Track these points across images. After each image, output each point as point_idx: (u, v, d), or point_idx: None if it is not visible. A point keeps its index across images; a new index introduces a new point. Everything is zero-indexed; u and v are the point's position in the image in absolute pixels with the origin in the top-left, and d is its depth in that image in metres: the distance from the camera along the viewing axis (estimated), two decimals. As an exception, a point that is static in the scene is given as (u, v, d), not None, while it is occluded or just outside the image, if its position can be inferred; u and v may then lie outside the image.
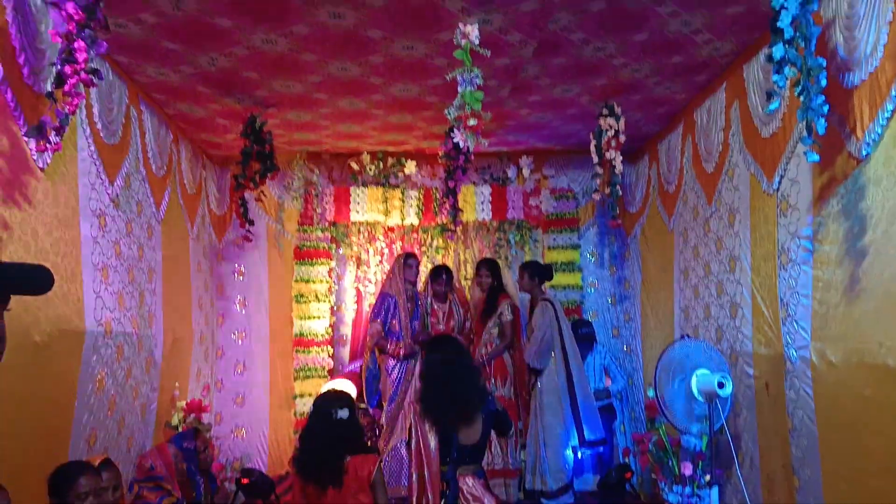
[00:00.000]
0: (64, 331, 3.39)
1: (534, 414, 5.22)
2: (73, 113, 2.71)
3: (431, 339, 4.10)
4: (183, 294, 5.46)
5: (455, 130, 3.74)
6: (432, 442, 3.31)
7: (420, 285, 6.03)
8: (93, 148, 3.77)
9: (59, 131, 2.78)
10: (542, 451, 5.15)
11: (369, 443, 4.85)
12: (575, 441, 5.10)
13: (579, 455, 5.16)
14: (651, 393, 4.37)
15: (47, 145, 2.80)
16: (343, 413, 3.24)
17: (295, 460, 3.27)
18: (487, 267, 5.63)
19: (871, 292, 2.92)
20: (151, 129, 4.77)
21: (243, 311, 6.33)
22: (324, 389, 4.11)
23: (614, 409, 5.88)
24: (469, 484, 3.39)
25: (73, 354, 3.51)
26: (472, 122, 3.57)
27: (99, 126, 3.85)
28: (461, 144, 3.58)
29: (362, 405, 5.56)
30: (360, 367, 5.79)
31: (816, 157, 2.89)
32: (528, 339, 5.23)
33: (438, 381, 3.29)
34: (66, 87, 2.65)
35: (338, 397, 3.35)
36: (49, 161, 3.28)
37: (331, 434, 3.16)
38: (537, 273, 5.45)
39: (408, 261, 5.52)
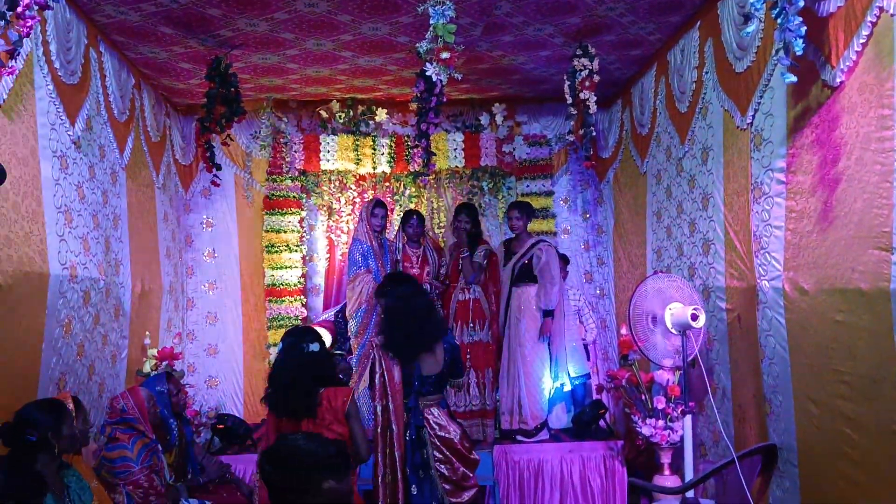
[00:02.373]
0: (28, 273, 3.32)
1: (510, 354, 5.21)
2: (27, 35, 2.56)
3: (387, 276, 4.06)
4: (150, 244, 5.37)
5: (427, 65, 3.63)
6: (396, 375, 3.34)
7: (393, 233, 5.97)
8: (51, 87, 3.66)
9: (13, 54, 2.62)
10: (520, 391, 5.16)
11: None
12: (557, 377, 5.16)
13: (552, 392, 5.21)
14: (624, 331, 4.54)
15: (2, 69, 2.62)
16: (313, 346, 3.22)
17: (267, 397, 3.26)
18: (467, 212, 5.50)
19: (845, 219, 2.93)
20: (112, 72, 4.62)
21: (213, 262, 6.24)
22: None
23: (586, 350, 5.90)
24: (434, 414, 3.42)
25: (38, 297, 3.44)
26: (444, 55, 3.49)
27: (57, 65, 3.73)
28: (434, 78, 3.48)
29: (339, 352, 5.51)
30: (339, 315, 5.69)
31: (794, 79, 2.87)
32: (546, 282, 5.10)
33: (398, 315, 3.34)
34: (20, 9, 2.48)
35: (306, 331, 3.33)
36: (5, 97, 3.18)
37: (301, 366, 3.15)
38: (531, 213, 5.45)
39: (374, 209, 5.40)
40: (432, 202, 6.48)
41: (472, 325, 5.32)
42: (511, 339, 5.28)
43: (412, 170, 6.23)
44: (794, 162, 3.37)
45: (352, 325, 5.31)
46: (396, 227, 5.75)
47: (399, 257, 5.57)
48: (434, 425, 3.41)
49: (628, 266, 5.89)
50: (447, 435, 3.48)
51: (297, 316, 6.22)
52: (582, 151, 5.10)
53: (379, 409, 3.35)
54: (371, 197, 6.20)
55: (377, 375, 3.33)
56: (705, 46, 4.32)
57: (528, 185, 6.36)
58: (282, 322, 6.16)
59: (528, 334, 5.14)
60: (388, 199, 6.41)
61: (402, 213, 5.91)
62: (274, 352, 6.01)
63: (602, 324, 6.28)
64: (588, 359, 5.84)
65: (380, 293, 3.58)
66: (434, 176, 6.33)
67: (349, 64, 5.36)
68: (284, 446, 2.03)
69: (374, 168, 6.28)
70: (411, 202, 6.41)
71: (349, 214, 6.45)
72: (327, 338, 5.39)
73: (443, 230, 6.36)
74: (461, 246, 5.39)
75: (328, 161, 6.22)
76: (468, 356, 5.16)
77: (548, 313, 5.10)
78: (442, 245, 5.98)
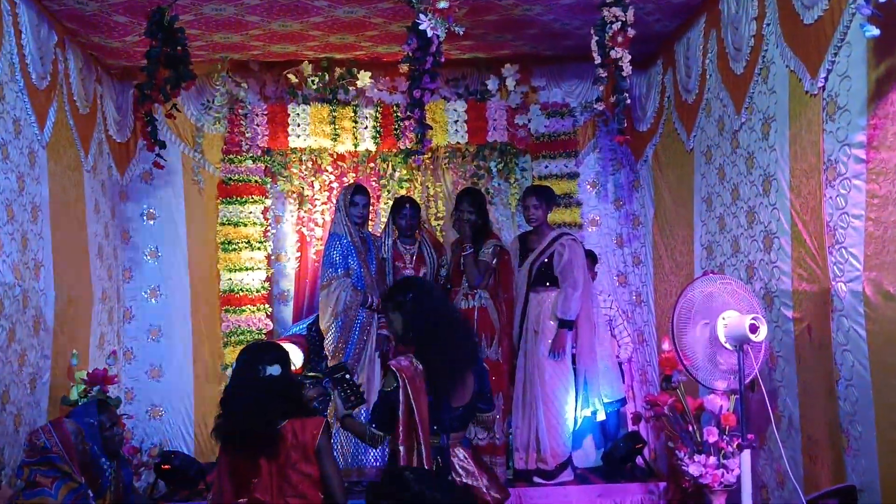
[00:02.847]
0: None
1: (527, 376, 5.25)
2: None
3: (400, 281, 4.05)
4: (78, 241, 5.36)
5: (421, 17, 3.62)
6: (424, 407, 3.24)
7: (380, 226, 6.04)
8: (-60, 45, 3.57)
9: None
10: (539, 422, 5.21)
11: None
12: (586, 404, 5.21)
13: (578, 423, 5.27)
14: (666, 346, 4.59)
15: None
16: (272, 369, 3.23)
17: (216, 430, 3.26)
18: (470, 199, 5.50)
19: (940, 205, 2.87)
20: (29, 27, 4.61)
21: (156, 264, 6.30)
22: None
23: (620, 369, 5.94)
24: (460, 456, 3.41)
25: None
26: (442, 4, 3.48)
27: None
28: (429, 33, 3.47)
29: (312, 374, 5.33)
30: (312, 328, 5.74)
31: (876, 32, 2.88)
32: (567, 286, 5.15)
33: (441, 330, 3.29)
34: None
35: (265, 349, 3.36)
36: None
37: (258, 393, 3.16)
38: (552, 201, 5.43)
39: (354, 197, 5.40)
40: (428, 188, 6.49)
41: (477, 340, 5.31)
42: (527, 357, 5.30)
43: (403, 147, 6.23)
44: (877, 135, 3.35)
45: (328, 342, 5.36)
46: (385, 220, 5.77)
47: (387, 256, 5.59)
48: (460, 470, 3.37)
49: (671, 266, 5.90)
50: (476, 484, 3.45)
51: (261, 329, 6.23)
52: (613, 124, 5.11)
53: (403, 451, 3.25)
54: (351, 181, 6.20)
55: (400, 407, 3.24)
56: (766, -9, 4.31)
57: (546, 166, 6.36)
58: (241, 337, 6.17)
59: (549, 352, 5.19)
60: (373, 183, 6.42)
61: (390, 202, 5.96)
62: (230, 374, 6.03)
63: (639, 337, 6.30)
64: (622, 381, 5.86)
65: (406, 303, 3.42)
66: (430, 155, 6.33)
67: (324, 16, 5.32)
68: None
69: (356, 145, 6.28)
70: (402, 188, 6.40)
71: (325, 203, 6.43)
72: (297, 356, 5.44)
73: (441, 222, 6.37)
74: (464, 242, 5.42)
75: (298, 137, 6.22)
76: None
77: (565, 324, 5.14)
78: (441, 240, 6.04)
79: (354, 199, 5.36)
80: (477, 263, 5.29)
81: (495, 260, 5.40)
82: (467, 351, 3.34)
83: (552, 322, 5.17)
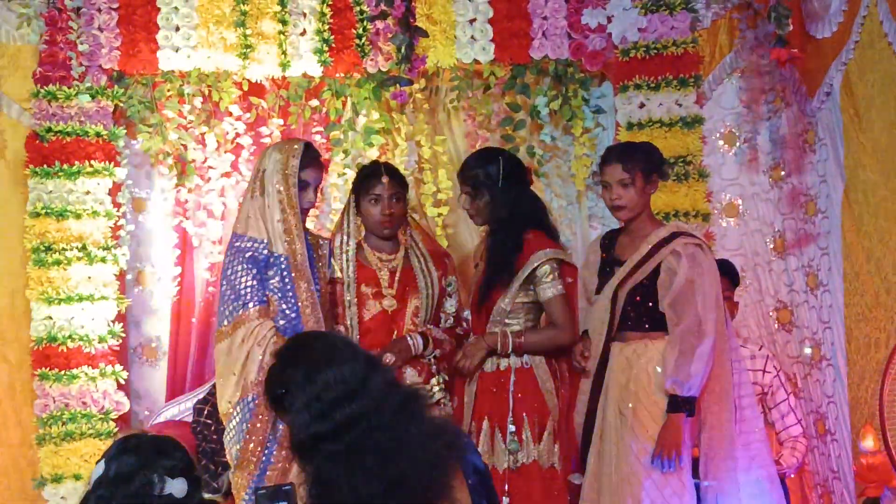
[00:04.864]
0: None
1: (602, 498, 4.17)
2: None
3: (282, 351, 2.93)
4: None
5: None
6: None
7: (328, 222, 5.16)
8: None
9: None
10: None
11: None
12: None
13: None
14: (870, 444, 4.04)
15: None
16: (176, 486, 2.47)
17: None
18: (475, 169, 4.32)
19: None
20: None
21: None
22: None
23: (784, 487, 4.52)
24: None
25: None
26: None
27: None
28: None
29: (207, 497, 4.35)
30: (203, 411, 4.61)
31: None
32: (684, 331, 4.04)
33: (352, 447, 2.60)
34: None
35: (161, 449, 2.57)
36: None
37: None
38: (656, 168, 4.15)
39: (306, 163, 4.16)
40: (421, 146, 5.10)
41: (513, 428, 4.21)
42: (602, 459, 4.20)
43: (373, 72, 4.83)
44: None
45: (231, 438, 4.11)
46: (344, 207, 4.56)
47: (347, 275, 4.41)
48: None
49: (878, 291, 4.46)
50: None
51: (109, 410, 4.69)
52: (767, 25, 4.49)
53: None
54: (279, 136, 4.97)
55: None
56: None
57: (643, 105, 4.81)
58: (70, 427, 4.67)
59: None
60: (316, 139, 5.01)
61: (349, 173, 4.93)
62: (52, 496, 4.64)
63: (818, 427, 4.76)
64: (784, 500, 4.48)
65: (279, 399, 2.75)
66: (424, 85, 5.03)
67: None
68: None
69: (284, 67, 4.87)
70: (371, 146, 4.95)
71: (226, 175, 4.95)
72: None
73: (447, 210, 5.02)
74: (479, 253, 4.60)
75: (177, 51, 4.83)
76: (506, 496, 4.20)
77: (681, 404, 4.01)
78: (445, 246, 4.86)
79: (306, 169, 4.17)
80: (543, 301, 4.28)
81: (558, 285, 4.28)
82: (420, 472, 2.56)
83: (657, 397, 4.04)
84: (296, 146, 4.18)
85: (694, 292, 3.89)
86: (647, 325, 4.01)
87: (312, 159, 4.15)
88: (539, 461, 4.08)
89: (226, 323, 3.98)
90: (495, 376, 4.13)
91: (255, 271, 4.01)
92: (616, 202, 3.93)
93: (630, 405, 4.00)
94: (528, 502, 4.10)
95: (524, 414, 4.10)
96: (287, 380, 2.62)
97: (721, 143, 4.92)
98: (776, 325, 4.87)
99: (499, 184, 4.13)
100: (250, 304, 3.95)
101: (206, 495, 4.21)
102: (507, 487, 4.09)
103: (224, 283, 4.05)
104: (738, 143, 4.93)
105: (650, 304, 3.98)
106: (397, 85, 4.39)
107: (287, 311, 4.06)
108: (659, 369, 4.09)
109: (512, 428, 4.06)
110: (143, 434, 2.90)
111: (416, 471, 2.50)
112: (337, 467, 2.49)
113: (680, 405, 3.89)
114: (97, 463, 2.54)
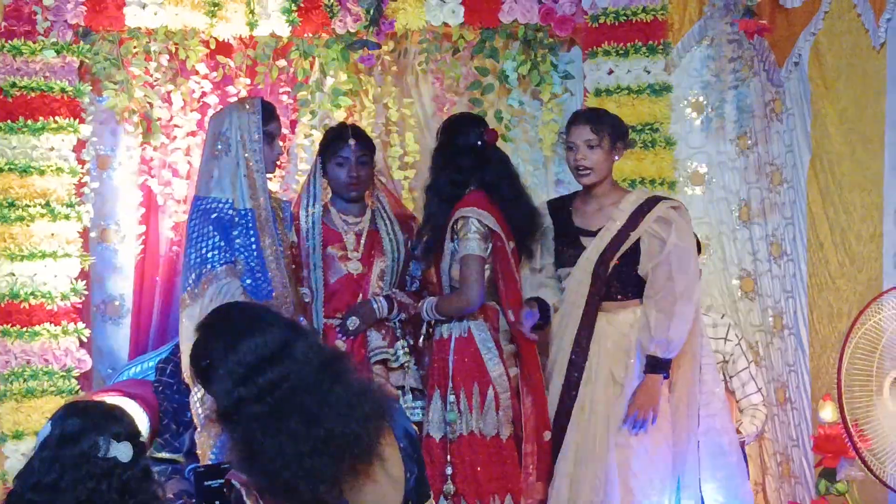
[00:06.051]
0: None
1: (588, 468, 4.20)
2: None
3: (205, 323, 2.87)
4: None
5: None
6: None
7: (293, 184, 5.17)
8: None
9: None
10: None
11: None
12: None
13: None
14: (828, 415, 4.12)
15: None
16: (119, 450, 2.57)
17: None
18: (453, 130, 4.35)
19: None
20: None
21: None
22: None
23: (744, 455, 4.70)
24: None
25: None
26: None
27: None
28: None
29: (164, 455, 4.57)
30: (167, 370, 4.66)
31: None
32: (671, 295, 4.12)
33: (271, 407, 2.55)
34: None
35: (108, 414, 2.71)
36: None
37: (92, 485, 2.53)
38: (620, 135, 4.17)
39: (268, 124, 4.20)
40: (387, 110, 5.12)
41: (453, 398, 4.22)
42: (592, 427, 4.21)
43: (341, 32, 4.80)
44: None
45: (197, 400, 4.18)
46: (310, 169, 4.62)
47: (311, 238, 4.45)
48: None
49: (841, 262, 4.59)
50: None
51: (70, 369, 4.69)
52: None
53: None
54: (244, 94, 4.90)
55: None
56: None
57: (611, 72, 4.83)
58: (31, 383, 4.69)
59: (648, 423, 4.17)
60: (283, 100, 5.03)
61: (315, 134, 4.90)
62: (12, 452, 4.67)
63: (779, 396, 4.80)
64: (747, 474, 4.56)
65: (204, 371, 2.71)
66: (392, 47, 5.05)
67: None
68: None
69: (252, 26, 4.83)
70: (338, 108, 4.92)
71: (191, 134, 4.94)
72: (141, 422, 4.32)
73: (413, 173, 5.01)
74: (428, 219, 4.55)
75: (144, 8, 4.81)
76: (448, 465, 4.19)
77: (658, 365, 4.07)
78: (412, 209, 4.85)
79: (266, 126, 4.22)
80: (456, 260, 4.27)
81: (488, 248, 4.23)
82: (345, 430, 2.53)
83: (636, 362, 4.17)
84: (253, 103, 4.22)
85: (682, 256, 3.97)
86: (630, 293, 4.06)
87: (270, 112, 4.23)
88: (482, 431, 4.06)
89: (192, 283, 4.04)
90: (440, 344, 4.15)
91: (220, 232, 4.04)
92: (581, 162, 3.92)
93: (626, 371, 4.05)
94: (471, 472, 4.09)
95: (462, 384, 4.08)
96: (210, 350, 2.65)
97: (689, 111, 4.96)
98: (739, 294, 4.91)
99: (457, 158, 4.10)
100: (218, 264, 4.00)
101: (168, 454, 4.45)
102: (448, 458, 4.09)
103: (189, 247, 4.09)
104: (705, 112, 4.95)
105: (634, 272, 4.04)
106: (365, 48, 4.55)
107: (254, 267, 4.10)
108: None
109: (451, 398, 4.07)
110: (90, 400, 3.16)
111: (342, 430, 2.52)
112: (262, 430, 2.52)
113: (660, 366, 3.96)
114: (44, 425, 2.62)
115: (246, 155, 4.09)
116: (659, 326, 3.96)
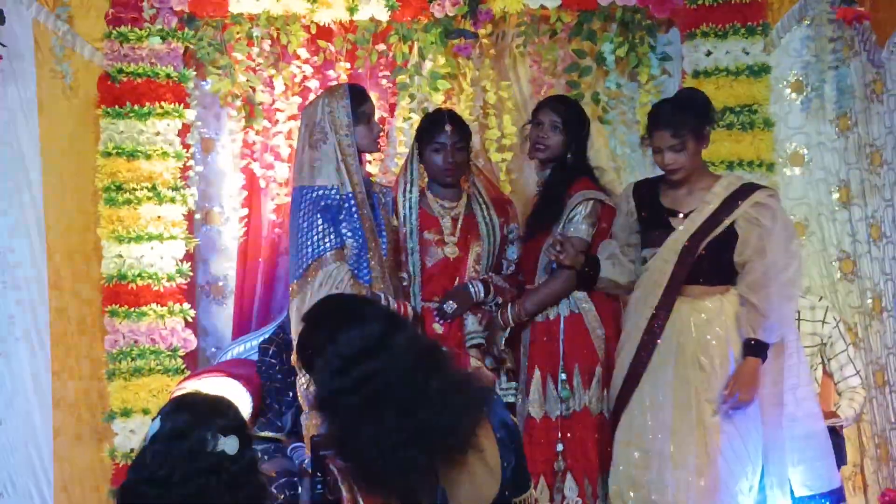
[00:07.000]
0: None
1: (667, 449, 4.05)
2: None
3: (309, 314, 2.95)
4: None
5: None
6: None
7: (392, 168, 5.11)
8: None
9: None
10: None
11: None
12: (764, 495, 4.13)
13: None
14: None
15: None
16: (227, 444, 2.53)
17: None
18: (556, 110, 4.32)
19: None
20: None
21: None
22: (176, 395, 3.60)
23: (837, 435, 4.60)
24: None
25: None
26: None
27: None
28: None
29: (268, 434, 4.56)
30: (270, 350, 4.65)
31: None
32: (773, 282, 3.99)
33: (369, 396, 2.60)
34: None
35: (215, 408, 2.66)
36: None
37: (199, 489, 2.50)
38: (708, 120, 4.08)
39: (359, 107, 4.20)
40: (486, 92, 5.01)
41: (564, 377, 4.22)
42: (666, 408, 4.08)
43: (439, 17, 4.79)
44: None
45: (303, 383, 4.20)
46: (408, 155, 4.58)
47: (409, 222, 4.43)
48: None
49: None
50: None
51: (177, 348, 4.78)
52: None
53: None
54: (344, 79, 4.89)
55: None
56: None
57: (709, 53, 4.77)
58: (140, 363, 4.75)
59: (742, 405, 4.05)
60: (382, 83, 5.01)
61: (413, 119, 4.87)
62: (122, 430, 4.76)
63: (877, 379, 4.72)
64: (843, 458, 4.55)
65: (307, 360, 2.81)
66: (490, 31, 4.93)
67: None
68: None
69: (352, 11, 4.84)
70: (436, 92, 4.90)
71: (293, 118, 4.93)
72: (244, 405, 4.40)
73: (510, 156, 4.95)
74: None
75: None
76: (559, 443, 4.20)
77: (758, 349, 3.97)
78: (508, 193, 4.82)
79: (360, 108, 4.21)
80: (568, 244, 4.19)
81: (594, 228, 4.25)
82: (439, 421, 2.58)
83: (733, 349, 4.02)
84: (341, 89, 4.29)
85: (786, 241, 3.93)
86: (716, 280, 3.99)
87: (359, 94, 4.26)
88: (589, 408, 4.10)
89: (303, 270, 4.10)
90: (545, 325, 4.15)
91: (329, 218, 4.09)
92: (670, 166, 3.91)
93: (705, 359, 3.99)
94: (582, 448, 4.11)
95: (575, 362, 4.12)
96: (311, 341, 2.74)
97: (788, 91, 4.86)
98: (838, 275, 4.83)
99: (566, 140, 4.21)
100: (327, 250, 4.05)
101: (270, 433, 4.49)
102: (559, 435, 4.11)
103: (300, 236, 4.13)
104: (805, 92, 4.86)
105: (724, 257, 3.97)
106: (462, 38, 4.56)
107: (359, 250, 4.16)
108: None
109: (563, 376, 4.09)
110: (198, 393, 3.13)
111: (436, 421, 2.57)
112: (356, 420, 2.59)
113: (761, 350, 3.90)
114: (153, 420, 2.66)
115: (340, 141, 4.14)
116: (765, 310, 3.88)
